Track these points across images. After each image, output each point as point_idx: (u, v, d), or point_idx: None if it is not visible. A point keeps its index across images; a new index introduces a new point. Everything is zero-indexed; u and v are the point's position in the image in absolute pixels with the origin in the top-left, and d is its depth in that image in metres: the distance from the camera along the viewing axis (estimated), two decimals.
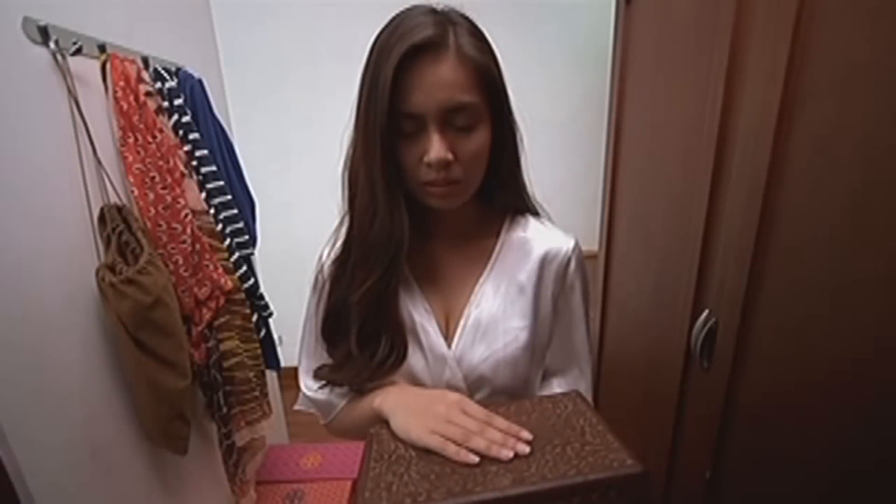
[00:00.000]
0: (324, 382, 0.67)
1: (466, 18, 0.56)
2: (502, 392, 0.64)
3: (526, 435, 0.50)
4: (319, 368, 0.67)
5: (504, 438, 0.49)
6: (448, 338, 0.63)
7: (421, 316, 0.63)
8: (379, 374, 0.62)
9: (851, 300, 0.61)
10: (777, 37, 0.68)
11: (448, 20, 0.53)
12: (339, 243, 0.64)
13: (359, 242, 0.60)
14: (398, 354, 0.62)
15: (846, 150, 0.60)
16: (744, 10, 0.75)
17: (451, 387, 0.63)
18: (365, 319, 0.60)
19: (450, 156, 0.53)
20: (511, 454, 0.47)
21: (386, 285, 0.59)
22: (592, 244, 1.44)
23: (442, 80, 0.51)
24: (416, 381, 0.63)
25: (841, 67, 0.60)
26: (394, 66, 0.49)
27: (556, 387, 0.68)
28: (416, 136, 0.54)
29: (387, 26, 0.55)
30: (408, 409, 0.56)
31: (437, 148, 0.52)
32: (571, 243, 0.66)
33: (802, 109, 0.66)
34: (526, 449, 0.48)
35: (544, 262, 0.64)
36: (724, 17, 0.79)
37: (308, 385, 0.71)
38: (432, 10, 0.54)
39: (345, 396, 0.70)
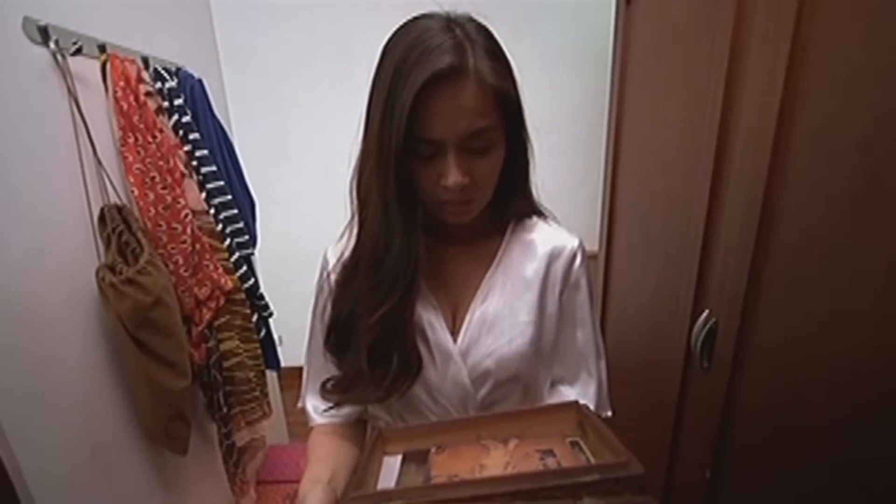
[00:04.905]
0: (330, 406, 0.66)
1: (482, 32, 0.54)
2: (506, 388, 0.64)
3: None
4: (325, 383, 0.66)
5: None
6: (454, 333, 0.63)
7: (428, 313, 0.63)
8: (392, 391, 0.61)
9: (851, 300, 0.61)
10: (777, 37, 0.68)
11: (466, 38, 0.52)
12: (346, 251, 0.63)
13: (372, 268, 0.58)
14: (411, 372, 0.61)
15: (846, 150, 0.60)
16: (744, 9, 0.75)
17: (456, 383, 0.62)
18: (377, 341, 0.60)
19: (467, 180, 0.54)
20: None
21: (402, 310, 0.59)
22: (592, 244, 1.44)
23: (462, 108, 0.51)
24: (421, 378, 0.63)
25: (841, 67, 0.60)
26: (413, 94, 0.49)
27: (565, 394, 0.68)
28: (433, 159, 0.54)
29: (400, 36, 0.53)
30: None
31: (454, 173, 0.53)
32: (576, 242, 0.67)
33: (802, 109, 0.66)
34: None
35: (550, 258, 0.65)
36: (724, 17, 0.79)
37: (316, 407, 0.69)
38: (448, 26, 0.52)
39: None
